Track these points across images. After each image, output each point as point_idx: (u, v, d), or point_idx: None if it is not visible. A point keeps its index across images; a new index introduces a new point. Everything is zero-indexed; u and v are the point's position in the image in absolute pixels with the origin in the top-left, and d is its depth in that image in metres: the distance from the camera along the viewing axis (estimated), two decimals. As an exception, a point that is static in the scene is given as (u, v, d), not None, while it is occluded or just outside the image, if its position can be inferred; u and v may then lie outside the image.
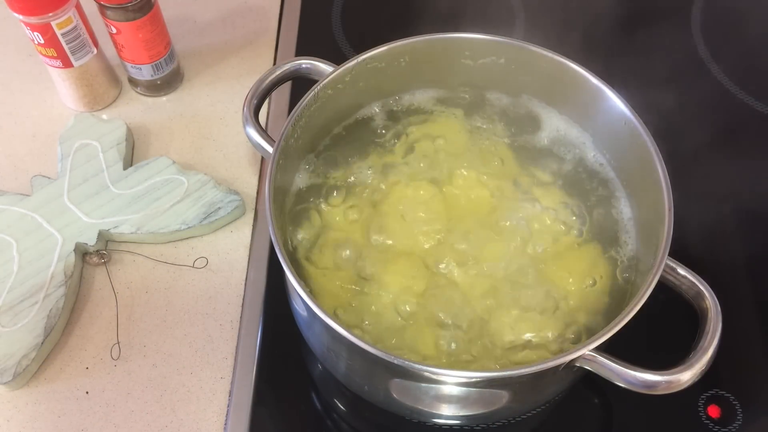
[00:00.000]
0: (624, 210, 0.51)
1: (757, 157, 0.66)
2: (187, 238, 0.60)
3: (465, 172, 0.52)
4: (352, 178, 0.53)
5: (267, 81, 0.53)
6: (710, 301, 0.42)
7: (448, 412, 0.47)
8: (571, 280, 0.48)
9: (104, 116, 0.68)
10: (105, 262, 0.58)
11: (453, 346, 0.45)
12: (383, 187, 0.52)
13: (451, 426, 0.51)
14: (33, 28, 0.59)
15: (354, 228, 0.50)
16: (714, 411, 0.51)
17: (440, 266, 0.48)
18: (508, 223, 0.50)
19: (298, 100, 0.49)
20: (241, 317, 0.56)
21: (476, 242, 0.49)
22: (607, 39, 0.73)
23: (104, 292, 0.57)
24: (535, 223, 0.50)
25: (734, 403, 0.51)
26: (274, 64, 0.73)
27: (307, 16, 0.76)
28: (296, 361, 0.55)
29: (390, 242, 0.49)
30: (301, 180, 0.53)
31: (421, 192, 0.51)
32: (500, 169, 0.53)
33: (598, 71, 0.50)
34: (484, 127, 0.56)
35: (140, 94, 0.70)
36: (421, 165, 0.53)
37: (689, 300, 0.44)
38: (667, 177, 0.45)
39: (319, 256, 0.49)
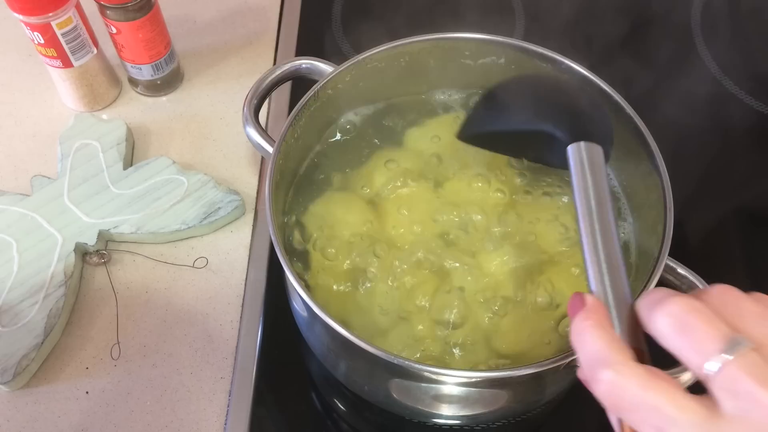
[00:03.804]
0: (623, 210, 0.51)
1: (757, 156, 0.66)
2: (187, 238, 0.60)
3: (464, 173, 0.52)
4: (352, 178, 0.53)
5: (267, 81, 0.53)
6: (710, 301, 0.42)
7: (448, 412, 0.47)
8: (570, 280, 0.48)
9: (104, 116, 0.68)
10: (105, 262, 0.58)
11: (456, 349, 0.46)
12: (382, 187, 0.52)
13: (451, 426, 0.51)
14: (33, 28, 0.59)
15: (352, 227, 0.50)
16: (714, 411, 0.51)
17: (441, 266, 0.48)
18: (507, 224, 0.50)
19: (298, 100, 0.49)
20: (241, 317, 0.56)
21: (475, 243, 0.49)
22: (607, 39, 0.73)
23: (104, 292, 0.57)
24: (534, 223, 0.50)
25: (734, 403, 0.51)
26: (274, 64, 0.73)
27: (307, 16, 0.76)
28: (296, 361, 0.55)
29: (389, 242, 0.49)
30: (301, 179, 0.53)
31: (421, 193, 0.51)
32: (499, 169, 0.53)
33: (597, 71, 0.50)
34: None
35: (140, 94, 0.70)
36: (421, 166, 0.53)
37: (689, 300, 0.43)
38: (667, 177, 0.45)
39: (317, 253, 0.49)
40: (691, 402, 0.27)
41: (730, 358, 0.26)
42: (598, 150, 0.37)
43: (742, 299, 0.28)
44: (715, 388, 0.26)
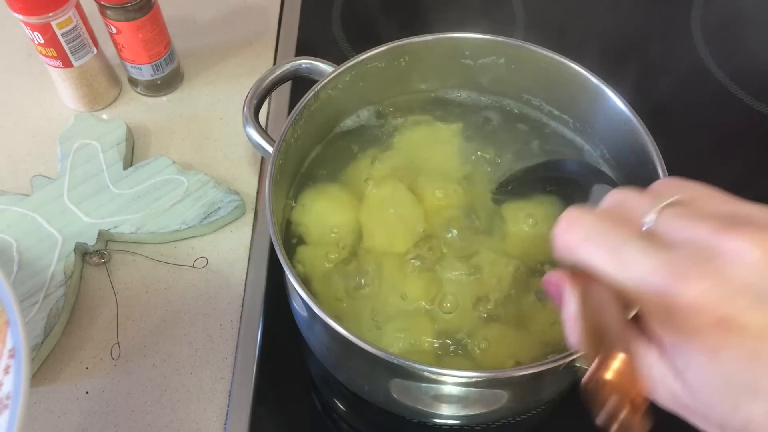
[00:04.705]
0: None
1: (758, 157, 0.66)
2: (187, 238, 0.60)
3: (463, 174, 0.52)
4: (352, 179, 0.53)
5: (267, 81, 0.53)
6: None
7: (448, 412, 0.47)
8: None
9: (104, 116, 0.68)
10: (105, 262, 0.58)
11: (455, 348, 0.46)
12: (382, 188, 0.52)
13: (451, 426, 0.51)
14: (33, 28, 0.59)
15: (352, 227, 0.50)
16: (714, 411, 0.51)
17: (439, 267, 0.48)
18: (506, 224, 0.50)
19: (298, 100, 0.49)
20: (241, 317, 0.56)
21: (470, 245, 0.49)
22: (607, 39, 0.73)
23: (104, 292, 0.57)
24: (534, 224, 0.50)
25: (734, 403, 0.51)
26: (274, 64, 0.73)
27: (307, 16, 0.76)
28: (296, 361, 0.55)
29: (380, 242, 0.49)
30: (301, 179, 0.53)
31: (420, 194, 0.51)
32: (499, 169, 0.53)
33: (597, 71, 0.50)
34: (484, 126, 0.56)
35: (140, 94, 0.70)
36: (420, 166, 0.53)
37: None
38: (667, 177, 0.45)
39: (318, 253, 0.49)
40: (641, 231, 0.28)
41: (660, 209, 0.28)
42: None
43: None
44: (658, 233, 0.27)
